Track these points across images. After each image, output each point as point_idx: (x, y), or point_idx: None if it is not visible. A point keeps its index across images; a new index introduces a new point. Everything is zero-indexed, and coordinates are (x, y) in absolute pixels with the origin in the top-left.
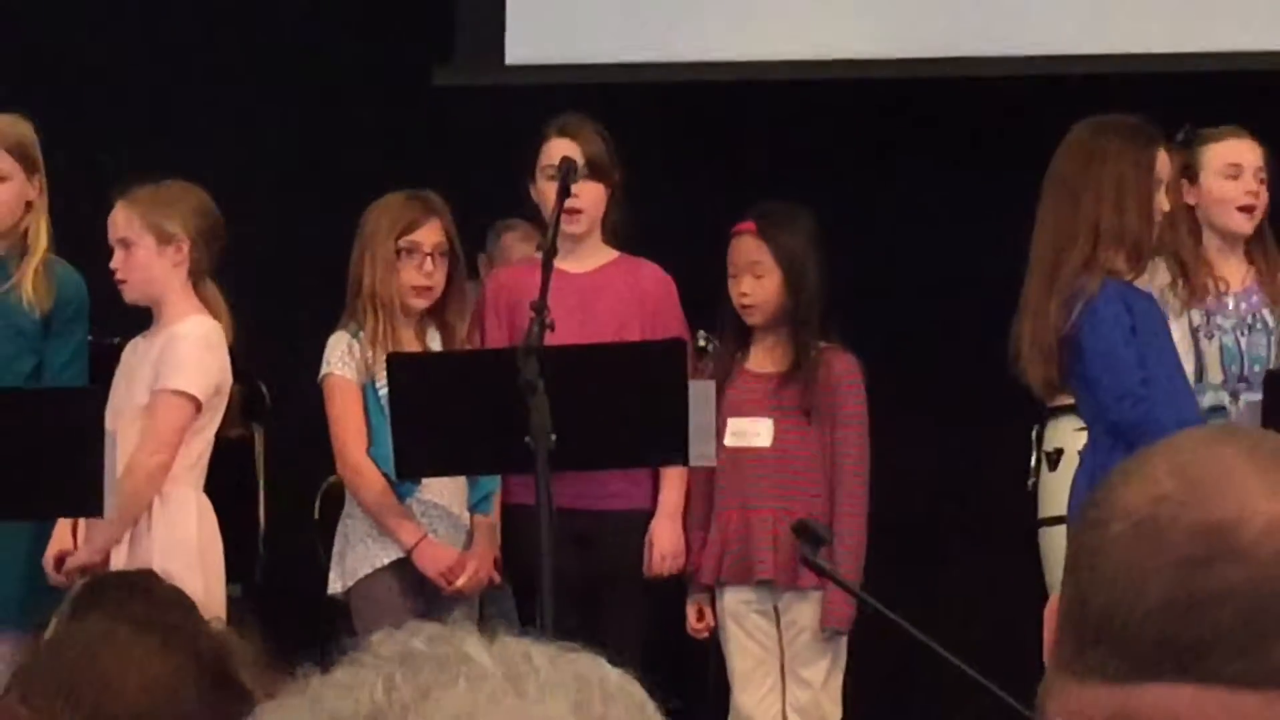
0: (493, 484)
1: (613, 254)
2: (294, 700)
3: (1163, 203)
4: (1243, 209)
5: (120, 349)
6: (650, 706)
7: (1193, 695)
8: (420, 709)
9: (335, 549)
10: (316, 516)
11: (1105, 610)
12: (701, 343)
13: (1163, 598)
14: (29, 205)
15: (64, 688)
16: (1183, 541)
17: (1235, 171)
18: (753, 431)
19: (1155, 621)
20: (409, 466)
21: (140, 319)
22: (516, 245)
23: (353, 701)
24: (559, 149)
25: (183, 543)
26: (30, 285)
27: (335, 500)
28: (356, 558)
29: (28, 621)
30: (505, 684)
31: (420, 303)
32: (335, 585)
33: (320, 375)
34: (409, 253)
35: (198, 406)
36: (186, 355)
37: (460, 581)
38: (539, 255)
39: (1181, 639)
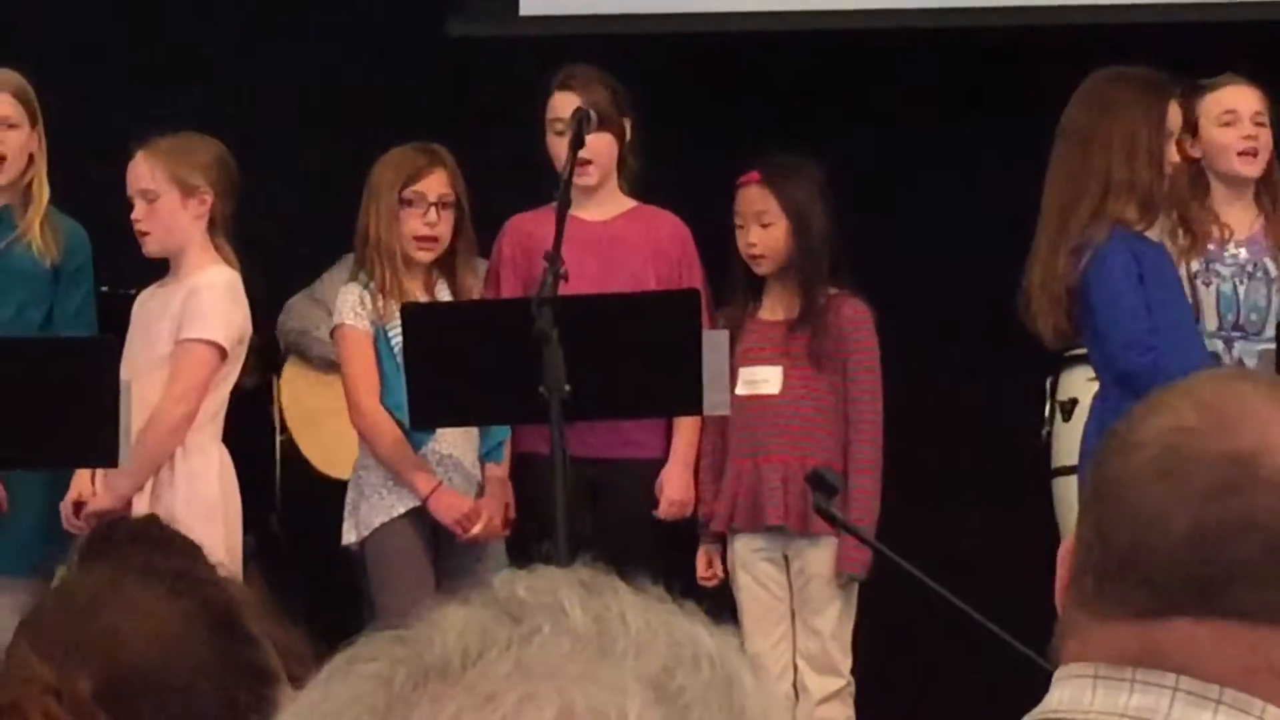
0: (504, 433)
1: (630, 203)
2: (431, 617)
3: (1173, 154)
4: (1243, 154)
5: (134, 300)
6: (741, 678)
7: (1216, 631)
8: (479, 664)
9: (348, 500)
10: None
11: (1130, 542)
12: None
13: (1188, 528)
14: (31, 158)
15: (72, 638)
16: (1207, 471)
17: (1231, 118)
18: (762, 379)
19: (1181, 553)
20: (423, 417)
21: (150, 270)
22: None
23: (441, 642)
24: (563, 102)
25: (204, 493)
26: (38, 235)
27: (284, 458)
28: (371, 508)
29: (43, 570)
30: (592, 641)
31: (424, 254)
32: (350, 536)
33: (331, 326)
34: (412, 203)
35: (223, 356)
36: (211, 305)
37: (475, 529)
38: (554, 204)
39: (1206, 571)
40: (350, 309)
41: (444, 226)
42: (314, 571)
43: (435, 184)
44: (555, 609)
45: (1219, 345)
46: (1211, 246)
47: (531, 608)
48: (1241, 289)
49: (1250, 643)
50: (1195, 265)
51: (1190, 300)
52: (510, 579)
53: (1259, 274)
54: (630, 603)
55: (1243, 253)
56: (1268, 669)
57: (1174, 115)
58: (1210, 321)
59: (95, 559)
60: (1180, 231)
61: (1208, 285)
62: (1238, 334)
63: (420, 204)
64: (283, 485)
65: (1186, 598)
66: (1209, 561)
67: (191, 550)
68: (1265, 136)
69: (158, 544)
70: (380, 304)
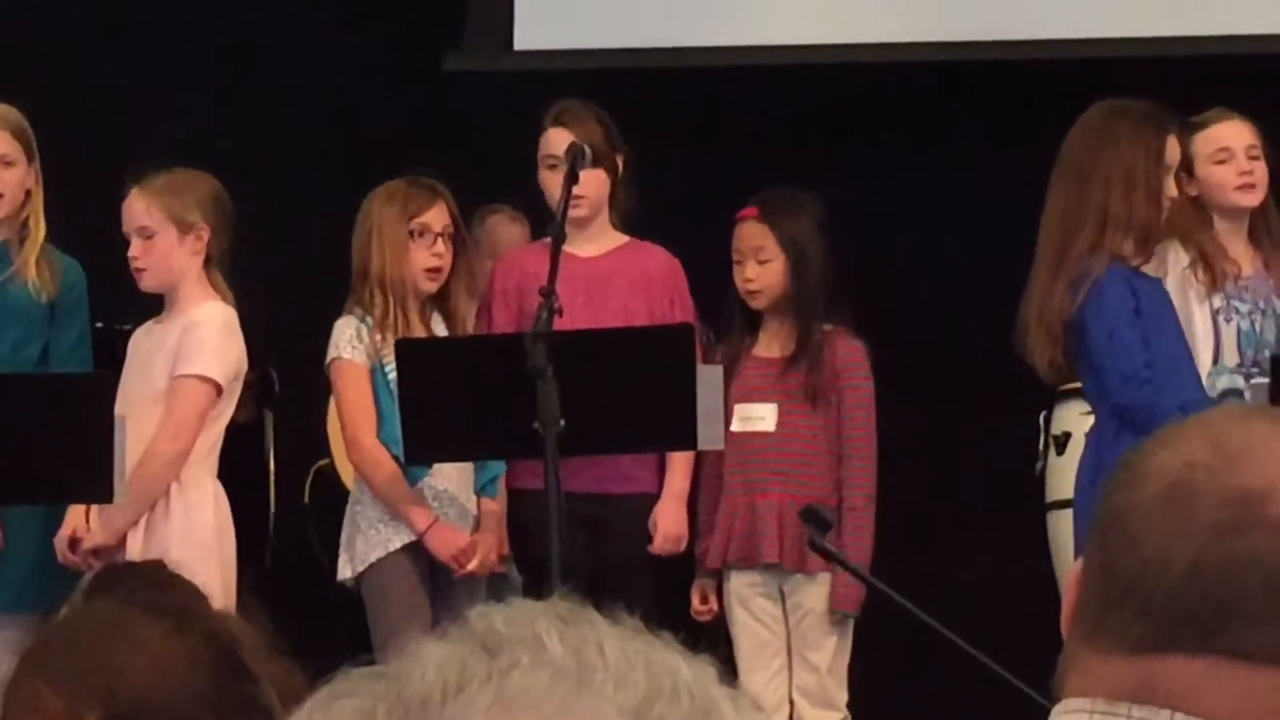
0: (499, 468)
1: (622, 238)
2: (403, 653)
3: (1171, 188)
4: (1241, 188)
5: (130, 335)
6: (720, 709)
7: (1212, 669)
8: (459, 699)
9: (344, 535)
10: (306, 500)
11: (1132, 572)
12: None
13: (1190, 562)
14: (27, 193)
15: (80, 671)
16: (1214, 507)
17: (1225, 155)
18: (757, 415)
19: (1181, 586)
20: (418, 452)
21: (143, 305)
22: (502, 227)
23: (421, 677)
24: (556, 138)
25: (199, 529)
26: (34, 271)
27: (325, 484)
28: (367, 543)
29: (40, 606)
30: (570, 674)
31: (431, 285)
32: (345, 571)
33: (328, 360)
34: (420, 235)
35: (218, 391)
36: (207, 341)
37: (471, 565)
38: (547, 239)
39: (1206, 606)
40: (347, 342)
41: (448, 257)
42: (309, 606)
43: (439, 215)
44: (533, 642)
45: (1240, 381)
46: (1229, 284)
47: (510, 641)
48: (1258, 325)
49: (1245, 681)
50: (1217, 302)
51: (1213, 337)
52: (487, 613)
53: (1270, 311)
54: (608, 634)
55: (1254, 290)
56: (1262, 708)
57: (1172, 149)
58: (1231, 358)
59: (99, 597)
60: (1199, 268)
61: (1229, 322)
62: (1255, 370)
63: (427, 235)
64: (277, 519)
65: (1184, 633)
66: (1208, 598)
67: (194, 591)
68: (1261, 170)
69: (162, 584)
70: (378, 338)
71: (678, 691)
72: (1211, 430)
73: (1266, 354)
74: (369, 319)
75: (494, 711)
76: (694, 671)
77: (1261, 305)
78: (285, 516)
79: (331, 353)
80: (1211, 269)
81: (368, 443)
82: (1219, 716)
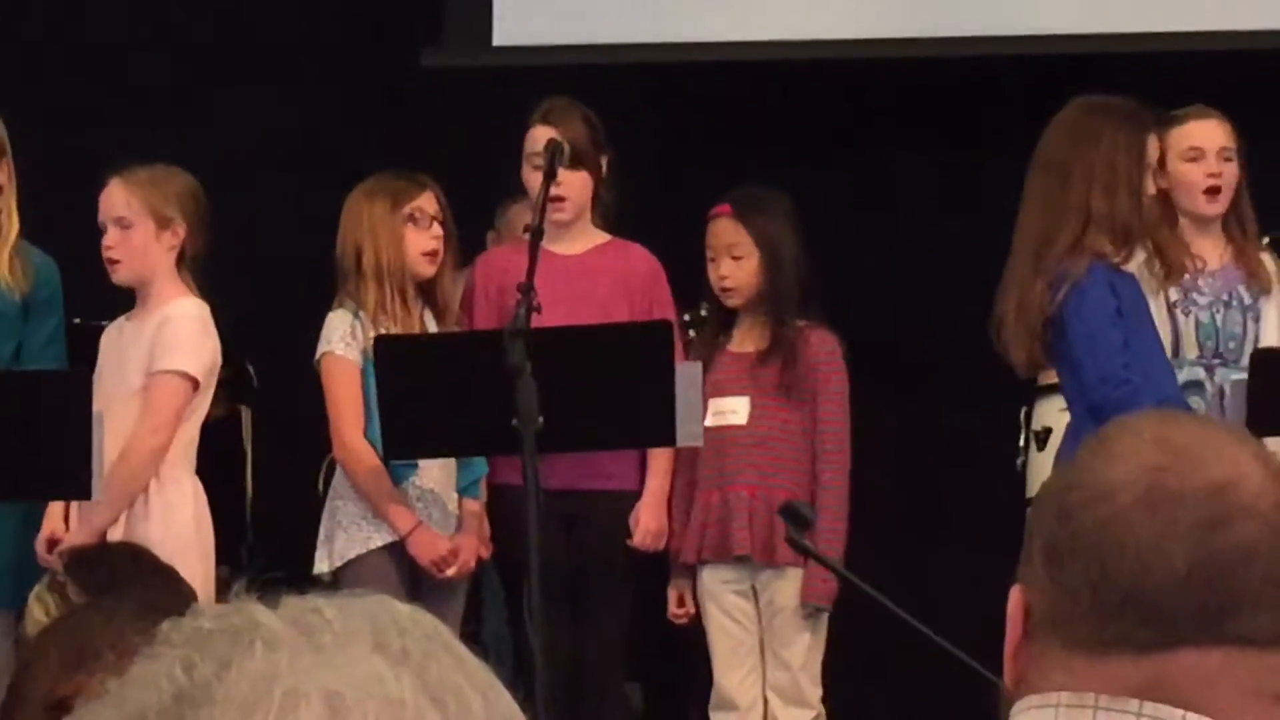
0: (481, 469)
1: (603, 237)
2: (96, 706)
3: (1150, 186)
4: (1207, 191)
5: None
6: (443, 631)
7: (1224, 658)
8: (224, 680)
9: (322, 529)
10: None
11: (1128, 581)
12: (703, 313)
13: (1189, 561)
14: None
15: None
16: (1194, 506)
17: (1196, 154)
18: (729, 409)
19: (1185, 586)
20: (396, 448)
21: (120, 302)
22: (525, 215)
23: (155, 691)
24: (542, 136)
25: (179, 526)
26: (7, 269)
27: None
28: (348, 539)
29: (16, 603)
30: (301, 640)
31: (430, 269)
32: (322, 565)
33: (318, 354)
34: (416, 220)
35: (195, 386)
36: (184, 336)
37: (452, 570)
38: (526, 237)
39: (1211, 601)
40: (340, 338)
41: (442, 242)
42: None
43: (430, 201)
44: (252, 625)
45: (1200, 373)
46: (1186, 276)
47: (228, 633)
48: (1219, 317)
49: (1255, 664)
50: (1174, 294)
51: (1170, 329)
52: (191, 619)
53: (1234, 302)
54: (315, 599)
55: (1217, 282)
56: (1270, 694)
57: (1153, 147)
58: (1191, 350)
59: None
60: (1156, 261)
61: (1187, 314)
62: (1218, 361)
63: (423, 220)
64: (252, 516)
65: (1192, 628)
66: (1213, 593)
67: (172, 576)
68: (1230, 172)
69: (151, 574)
70: (371, 333)
71: (401, 625)
72: (1154, 434)
73: (1231, 344)
74: (362, 313)
75: (262, 686)
76: (411, 611)
77: (1225, 297)
78: (263, 513)
79: (322, 347)
80: (1168, 263)
81: (353, 440)
82: (1232, 704)
